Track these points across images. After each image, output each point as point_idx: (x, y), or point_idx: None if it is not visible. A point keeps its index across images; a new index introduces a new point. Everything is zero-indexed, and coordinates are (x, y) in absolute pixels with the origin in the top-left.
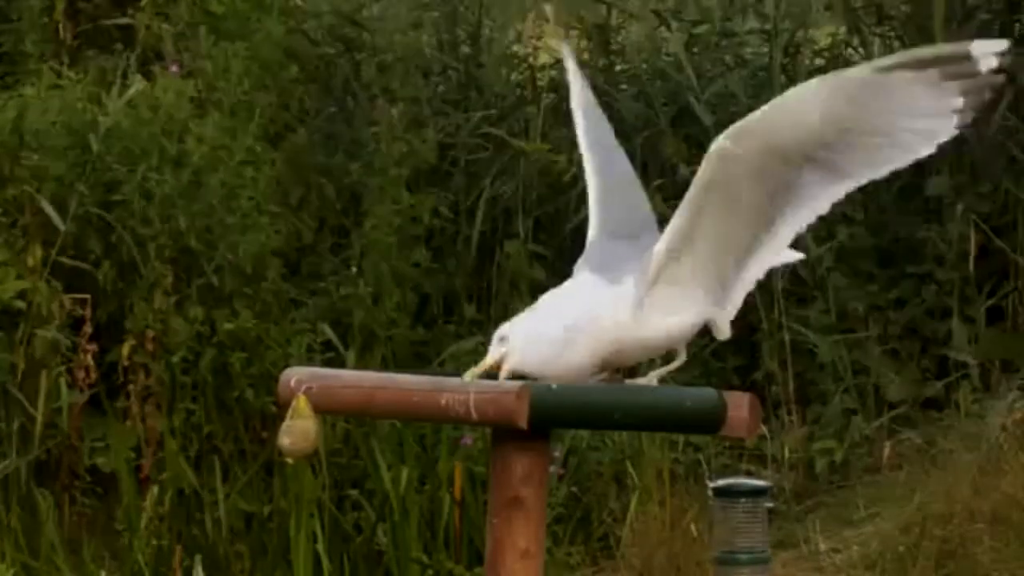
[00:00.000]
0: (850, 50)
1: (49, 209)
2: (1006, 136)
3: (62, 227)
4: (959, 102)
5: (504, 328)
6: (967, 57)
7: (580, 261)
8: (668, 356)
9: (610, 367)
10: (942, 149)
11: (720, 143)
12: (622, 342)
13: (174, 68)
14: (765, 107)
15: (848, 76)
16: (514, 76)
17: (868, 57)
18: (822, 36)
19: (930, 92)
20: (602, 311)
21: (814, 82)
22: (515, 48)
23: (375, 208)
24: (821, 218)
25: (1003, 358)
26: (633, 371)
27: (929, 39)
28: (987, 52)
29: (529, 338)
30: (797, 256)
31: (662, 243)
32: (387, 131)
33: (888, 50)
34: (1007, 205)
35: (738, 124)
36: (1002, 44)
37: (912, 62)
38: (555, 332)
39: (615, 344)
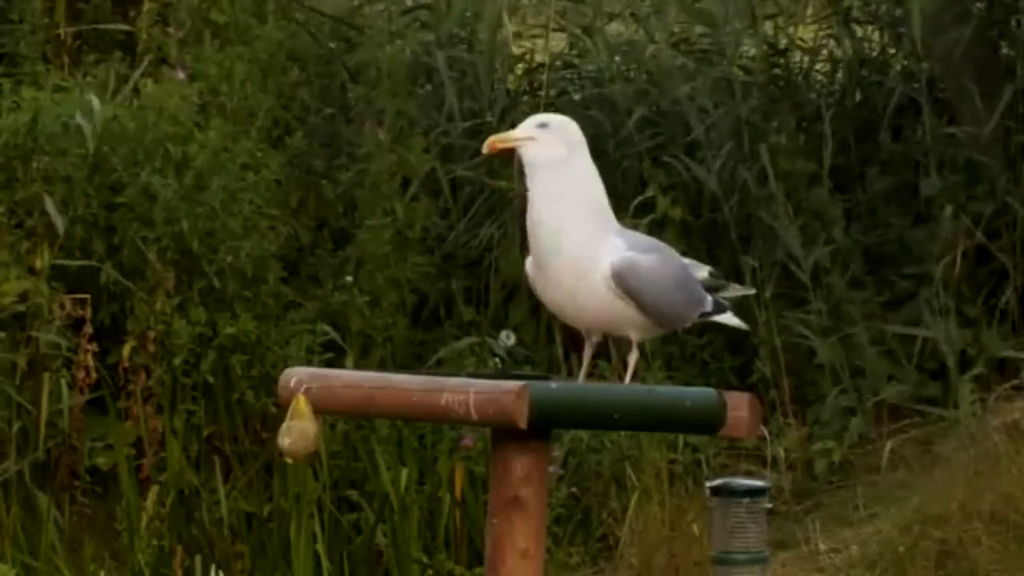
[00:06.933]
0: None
1: (52, 210)
2: (1004, 137)
3: (61, 230)
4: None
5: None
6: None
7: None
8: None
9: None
10: (940, 149)
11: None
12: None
13: (180, 74)
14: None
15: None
16: (510, 78)
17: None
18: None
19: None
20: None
21: None
22: (512, 47)
23: (368, 219)
24: (819, 219)
25: (1001, 358)
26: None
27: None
28: (735, 295)
29: None
30: (749, 291)
31: None
32: (375, 147)
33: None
34: (1006, 205)
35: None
36: (740, 290)
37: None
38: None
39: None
